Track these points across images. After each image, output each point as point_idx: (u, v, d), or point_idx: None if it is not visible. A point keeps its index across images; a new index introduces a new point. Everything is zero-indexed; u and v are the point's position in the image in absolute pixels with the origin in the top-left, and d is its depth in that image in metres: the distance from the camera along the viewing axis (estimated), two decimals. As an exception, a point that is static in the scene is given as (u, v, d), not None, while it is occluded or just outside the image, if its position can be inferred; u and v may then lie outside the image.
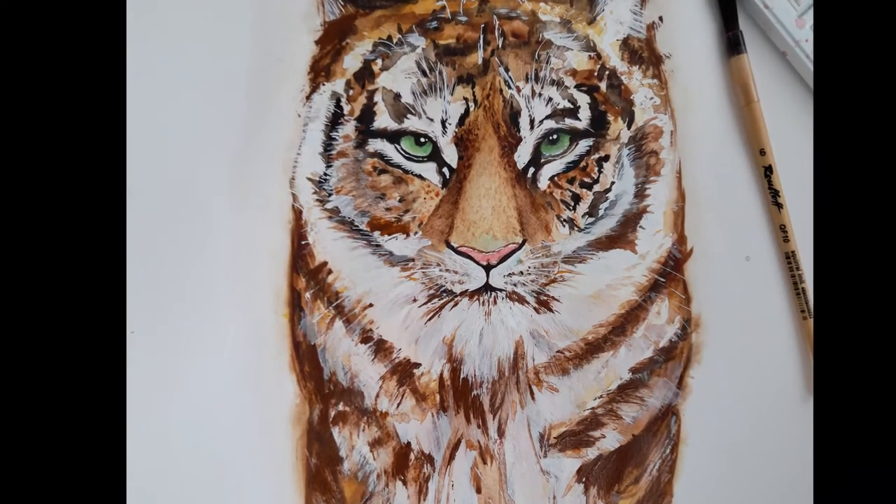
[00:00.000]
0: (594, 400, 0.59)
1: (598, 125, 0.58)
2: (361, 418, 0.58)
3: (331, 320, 0.58)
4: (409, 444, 0.58)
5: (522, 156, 0.57)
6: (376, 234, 0.58)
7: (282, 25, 0.59)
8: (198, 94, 0.59)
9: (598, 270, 0.58)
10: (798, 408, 0.60)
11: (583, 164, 0.58)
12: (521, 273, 0.57)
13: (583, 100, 0.57)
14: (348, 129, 0.58)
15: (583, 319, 0.59)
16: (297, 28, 0.59)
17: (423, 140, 0.57)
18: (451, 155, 0.57)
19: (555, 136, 0.57)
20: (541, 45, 0.57)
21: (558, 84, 0.57)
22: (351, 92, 0.58)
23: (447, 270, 0.57)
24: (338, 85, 0.58)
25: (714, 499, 0.59)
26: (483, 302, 0.57)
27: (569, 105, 0.57)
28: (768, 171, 0.60)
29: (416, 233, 0.57)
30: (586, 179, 0.58)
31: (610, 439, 0.59)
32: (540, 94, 0.57)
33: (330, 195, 0.58)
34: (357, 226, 0.58)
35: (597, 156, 0.58)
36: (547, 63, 0.57)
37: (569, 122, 0.57)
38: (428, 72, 0.57)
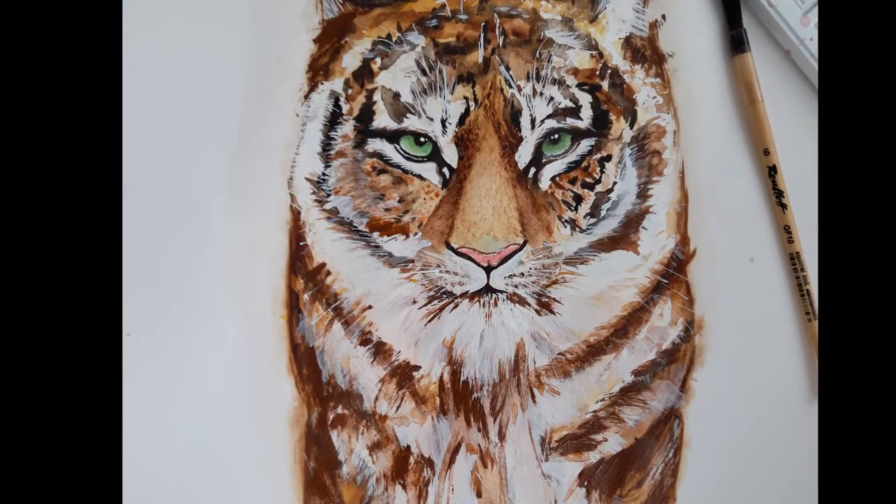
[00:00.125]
0: (596, 403, 0.59)
1: (600, 125, 0.58)
2: (360, 421, 0.58)
3: (329, 322, 0.58)
4: (408, 447, 0.58)
5: (523, 156, 0.56)
6: (375, 234, 0.58)
7: (280, 24, 0.59)
8: (195, 93, 0.59)
9: (600, 272, 0.58)
10: (802, 411, 0.59)
11: (584, 164, 0.57)
12: (522, 274, 0.57)
13: (584, 99, 0.57)
14: (347, 128, 0.58)
15: (584, 321, 0.58)
16: (295, 26, 0.59)
17: (422, 140, 0.57)
18: (451, 155, 0.56)
19: (556, 136, 0.57)
20: (542, 43, 0.57)
21: (560, 83, 0.57)
22: (350, 91, 0.58)
23: (447, 272, 0.57)
24: (336, 84, 0.58)
25: (717, 503, 0.59)
26: (483, 304, 0.57)
27: (570, 104, 0.57)
28: (772, 170, 0.60)
29: (415, 234, 0.57)
30: (588, 180, 0.58)
31: (612, 443, 0.59)
32: (541, 94, 0.56)
33: (329, 195, 0.58)
34: (356, 226, 0.58)
35: (599, 156, 0.58)
36: (548, 62, 0.57)
37: (570, 121, 0.57)
38: (428, 71, 0.57)
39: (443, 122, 0.56)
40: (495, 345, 0.58)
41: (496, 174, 0.56)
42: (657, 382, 0.59)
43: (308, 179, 0.58)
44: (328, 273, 0.58)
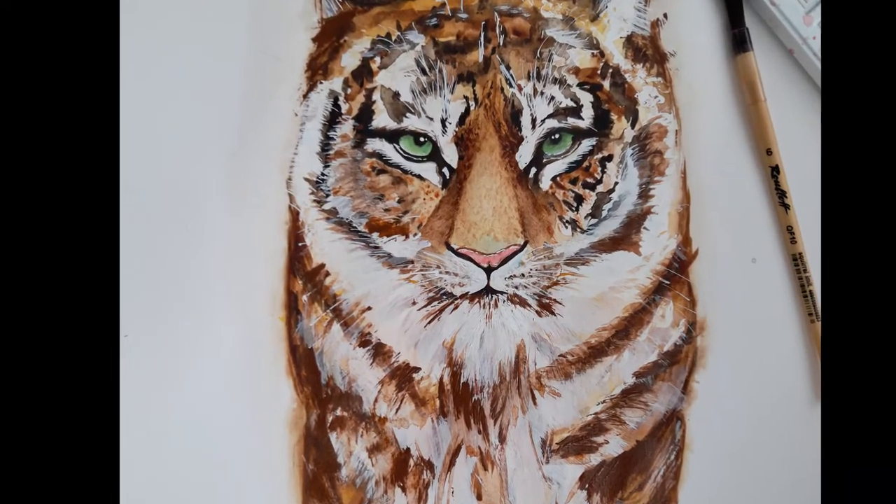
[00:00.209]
0: (597, 405, 0.58)
1: (602, 124, 0.57)
2: (360, 423, 0.58)
3: (328, 323, 0.58)
4: (408, 449, 0.58)
5: (524, 156, 0.56)
6: (375, 235, 0.57)
7: (278, 23, 0.59)
8: (193, 92, 0.58)
9: (602, 273, 0.58)
10: (805, 413, 0.59)
11: (586, 164, 0.57)
12: (523, 275, 0.57)
13: (585, 98, 0.57)
14: (346, 128, 0.57)
15: (586, 323, 0.58)
16: (293, 25, 0.59)
17: (422, 139, 0.56)
18: (451, 155, 0.56)
19: (557, 136, 0.57)
20: (543, 42, 0.57)
21: (560, 82, 0.57)
22: (349, 90, 0.57)
23: (447, 273, 0.56)
24: (335, 83, 0.58)
25: (719, 506, 0.59)
26: (484, 305, 0.57)
27: (571, 104, 0.57)
28: (775, 171, 0.59)
29: (415, 234, 0.57)
30: (589, 180, 0.57)
31: (613, 445, 0.59)
32: (542, 93, 0.56)
33: (328, 196, 0.58)
34: (355, 227, 0.58)
35: (600, 155, 0.58)
36: (549, 61, 0.57)
37: (571, 121, 0.57)
38: (427, 70, 0.56)
39: (443, 121, 0.56)
40: (496, 346, 0.58)
41: (496, 174, 0.55)
42: (659, 384, 0.59)
43: (307, 179, 0.58)
44: (327, 274, 0.58)
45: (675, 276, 0.59)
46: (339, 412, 0.58)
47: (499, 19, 0.57)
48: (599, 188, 0.58)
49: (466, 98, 0.56)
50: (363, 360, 0.58)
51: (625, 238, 0.58)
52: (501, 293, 0.57)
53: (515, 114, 0.56)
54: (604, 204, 0.58)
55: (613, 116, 0.58)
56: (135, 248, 0.57)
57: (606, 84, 0.58)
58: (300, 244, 0.58)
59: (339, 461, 0.58)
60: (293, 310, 0.58)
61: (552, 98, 0.56)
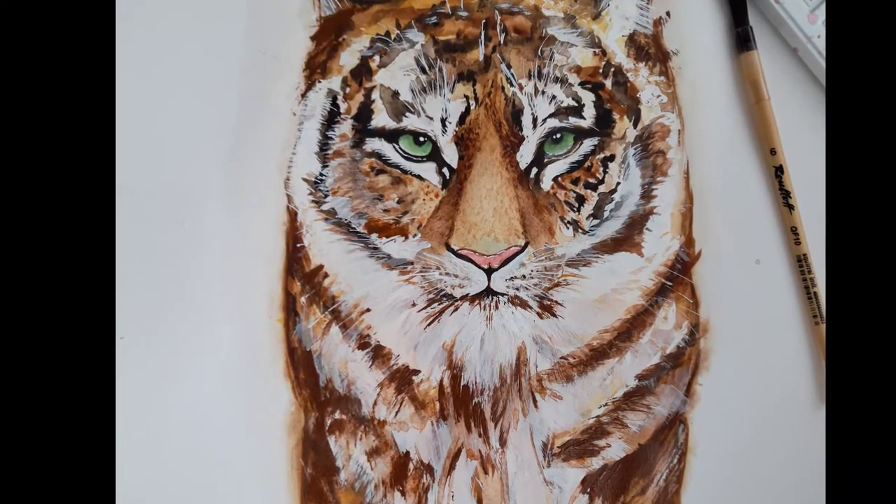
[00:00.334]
0: (599, 408, 0.58)
1: (603, 124, 0.57)
2: (359, 427, 0.58)
3: (327, 325, 0.58)
4: (407, 453, 0.58)
5: (525, 155, 0.56)
6: (374, 236, 0.57)
7: (276, 21, 0.59)
8: (190, 92, 0.58)
9: (604, 274, 0.58)
10: (810, 416, 0.59)
11: (587, 164, 0.57)
12: (524, 277, 0.56)
13: (587, 97, 0.57)
14: (345, 127, 0.57)
15: (587, 325, 0.58)
16: (292, 24, 0.59)
17: (422, 139, 0.56)
18: (451, 155, 0.56)
19: (558, 136, 0.56)
20: (544, 41, 0.57)
21: (562, 81, 0.57)
22: (348, 89, 0.57)
23: (447, 274, 0.56)
24: (334, 82, 0.58)
25: (723, 510, 0.59)
26: (484, 306, 0.57)
27: (573, 103, 0.57)
28: (779, 171, 0.59)
29: (415, 235, 0.57)
30: (591, 180, 0.57)
31: (615, 448, 0.58)
32: (543, 92, 0.56)
33: (326, 196, 0.58)
34: (354, 228, 0.57)
35: (602, 155, 0.57)
36: (550, 60, 0.57)
37: (573, 120, 0.56)
38: (427, 69, 0.56)
39: (443, 121, 0.56)
40: (496, 348, 0.57)
41: (497, 174, 0.55)
42: (661, 387, 0.59)
43: (305, 180, 0.58)
44: (326, 275, 0.58)
45: (678, 277, 0.59)
46: (337, 415, 0.58)
47: (499, 17, 0.57)
48: (601, 188, 0.57)
49: (467, 97, 0.56)
50: (362, 362, 0.58)
51: (627, 239, 0.58)
52: (502, 295, 0.56)
53: (516, 113, 0.56)
54: (606, 204, 0.58)
55: (615, 116, 0.57)
56: (131, 249, 0.57)
57: (608, 83, 0.57)
58: (298, 245, 0.58)
59: (337, 465, 0.58)
60: (291, 311, 0.58)
61: (553, 97, 0.56)
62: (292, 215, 0.58)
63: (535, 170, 0.56)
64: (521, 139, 0.56)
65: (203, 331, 0.57)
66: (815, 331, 0.59)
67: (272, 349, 0.57)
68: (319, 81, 0.58)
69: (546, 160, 0.56)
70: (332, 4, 0.58)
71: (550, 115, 0.56)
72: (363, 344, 0.58)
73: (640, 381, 0.58)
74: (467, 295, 0.56)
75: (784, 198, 0.59)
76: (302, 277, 0.58)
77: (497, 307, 0.57)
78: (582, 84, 0.57)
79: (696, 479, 0.58)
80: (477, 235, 0.55)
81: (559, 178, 0.57)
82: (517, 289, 0.56)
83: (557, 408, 0.58)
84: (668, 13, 0.60)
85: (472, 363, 0.57)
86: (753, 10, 0.60)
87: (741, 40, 0.60)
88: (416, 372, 0.58)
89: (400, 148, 0.56)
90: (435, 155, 0.56)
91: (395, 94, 0.56)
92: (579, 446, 0.58)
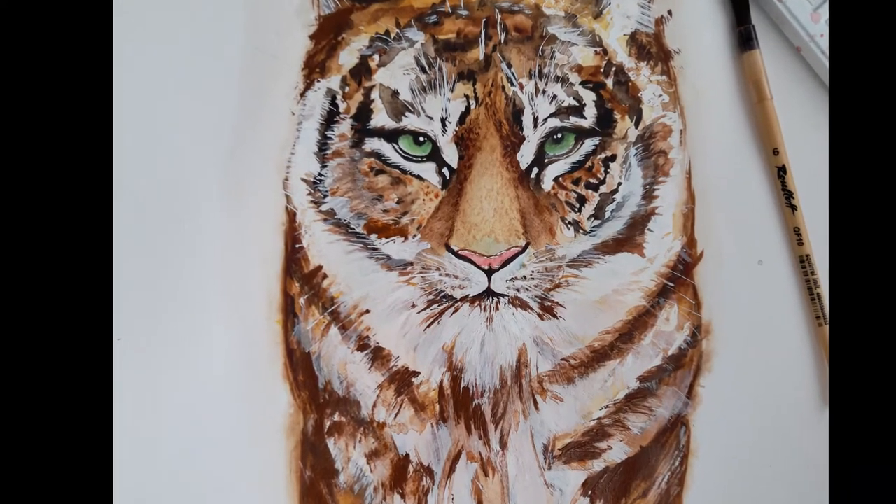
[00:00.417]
0: (600, 410, 0.58)
1: (605, 123, 0.57)
2: (358, 429, 0.58)
3: (326, 327, 0.58)
4: (407, 455, 0.58)
5: (525, 155, 0.56)
6: (373, 236, 0.57)
7: (275, 20, 0.59)
8: (188, 91, 0.58)
9: (605, 275, 0.58)
10: (813, 418, 0.59)
11: (588, 164, 0.57)
12: (525, 278, 0.56)
13: (588, 97, 0.57)
14: (344, 127, 0.57)
15: (588, 326, 0.58)
16: (290, 23, 0.59)
17: (422, 139, 0.56)
18: (451, 155, 0.56)
19: (559, 135, 0.56)
20: (545, 40, 0.57)
21: (563, 81, 0.56)
22: (347, 89, 0.57)
23: (447, 275, 0.56)
24: (333, 82, 0.57)
25: (725, 513, 0.59)
26: (484, 308, 0.56)
27: (574, 102, 0.56)
28: (782, 171, 0.59)
29: (414, 236, 0.57)
30: (592, 180, 0.57)
31: (617, 451, 0.58)
32: (544, 92, 0.56)
33: (325, 196, 0.57)
34: (353, 228, 0.57)
35: (603, 155, 0.57)
36: (551, 59, 0.57)
37: (574, 120, 0.56)
38: (427, 68, 0.56)
39: (442, 120, 0.55)
40: (496, 350, 0.57)
41: (497, 174, 0.55)
42: (663, 389, 0.59)
43: (304, 180, 0.58)
44: (325, 276, 0.58)
45: (680, 278, 0.59)
46: (336, 417, 0.58)
47: (500, 16, 0.57)
48: (602, 189, 0.57)
49: (467, 97, 0.56)
50: (361, 363, 0.58)
51: (628, 239, 0.58)
52: (502, 296, 0.56)
53: (517, 113, 0.55)
54: (607, 205, 0.57)
55: (617, 115, 0.57)
56: (128, 249, 0.57)
57: (610, 82, 0.57)
58: (297, 245, 0.58)
59: (336, 467, 0.58)
60: (290, 313, 0.58)
61: (554, 97, 0.56)
62: (291, 215, 0.58)
63: (535, 170, 0.56)
64: (522, 139, 0.56)
65: (201, 332, 0.57)
66: (818, 332, 0.59)
67: (271, 350, 0.57)
68: (318, 81, 0.58)
69: (547, 160, 0.56)
70: (332, 3, 0.58)
71: (551, 115, 0.56)
72: (362, 345, 0.57)
73: (641, 383, 0.58)
74: (467, 296, 0.56)
75: (787, 198, 0.59)
76: (301, 278, 0.58)
77: (497, 308, 0.56)
78: (583, 83, 0.57)
79: (698, 482, 0.58)
80: (477, 236, 0.54)
81: (560, 179, 0.56)
82: (518, 290, 0.56)
83: (558, 410, 0.58)
84: (669, 12, 0.60)
85: (473, 365, 0.57)
86: (756, 8, 0.60)
87: (744, 39, 0.60)
88: (416, 374, 0.57)
89: (399, 148, 0.56)
90: (435, 155, 0.56)
91: (395, 93, 0.56)
92: (580, 448, 0.58)
